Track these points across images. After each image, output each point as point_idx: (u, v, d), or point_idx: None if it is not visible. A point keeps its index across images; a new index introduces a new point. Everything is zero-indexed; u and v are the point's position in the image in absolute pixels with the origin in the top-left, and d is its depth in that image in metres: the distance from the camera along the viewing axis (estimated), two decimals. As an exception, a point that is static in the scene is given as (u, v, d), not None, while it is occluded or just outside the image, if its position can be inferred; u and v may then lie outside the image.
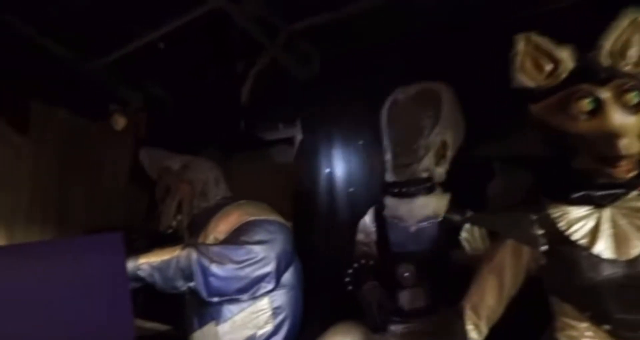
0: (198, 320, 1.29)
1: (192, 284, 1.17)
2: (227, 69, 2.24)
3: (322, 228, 1.94)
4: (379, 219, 1.39)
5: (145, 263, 1.15)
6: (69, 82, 2.19)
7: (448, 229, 1.26)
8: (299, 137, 2.19)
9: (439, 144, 1.32)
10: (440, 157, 1.33)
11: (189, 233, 1.42)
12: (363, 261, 1.38)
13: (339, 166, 2.01)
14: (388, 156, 1.35)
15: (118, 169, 2.26)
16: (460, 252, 1.25)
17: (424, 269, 1.24)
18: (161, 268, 1.15)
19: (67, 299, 0.82)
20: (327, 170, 2.04)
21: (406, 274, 1.24)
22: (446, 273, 1.24)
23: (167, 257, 1.16)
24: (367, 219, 1.45)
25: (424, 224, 1.27)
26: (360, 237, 1.47)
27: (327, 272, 1.68)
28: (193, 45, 2.11)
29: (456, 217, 1.28)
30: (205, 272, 1.16)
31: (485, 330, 0.93)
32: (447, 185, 1.37)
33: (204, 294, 1.18)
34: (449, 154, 1.34)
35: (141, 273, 1.14)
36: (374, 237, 1.42)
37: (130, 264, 1.13)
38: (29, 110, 2.17)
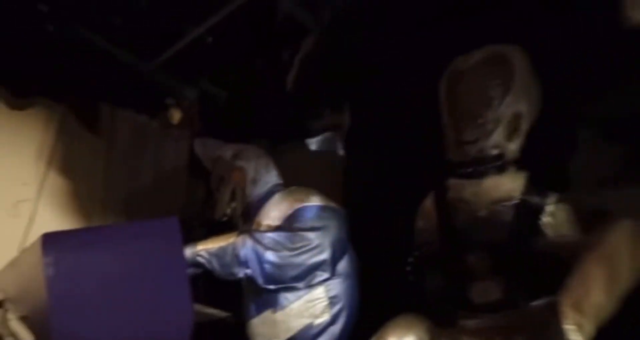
0: (255, 307, 1.25)
1: (248, 271, 1.13)
2: (273, 57, 2.18)
3: (375, 216, 1.81)
4: (441, 203, 1.23)
5: (203, 250, 1.14)
6: (131, 83, 2.29)
7: (526, 213, 1.07)
8: (347, 122, 2.08)
9: (510, 115, 1.12)
10: (512, 131, 1.13)
11: (243, 220, 1.38)
12: (424, 249, 1.24)
13: (391, 150, 1.86)
14: (450, 133, 1.18)
15: (178, 162, 2.33)
16: (541, 238, 1.06)
17: (498, 257, 1.07)
18: (218, 254, 1.13)
19: (127, 282, 0.81)
20: (378, 155, 1.90)
21: (477, 264, 1.08)
22: (524, 262, 1.06)
23: (224, 244, 1.14)
24: (428, 204, 1.30)
25: (496, 207, 1.09)
26: (419, 223, 1.33)
27: (384, 261, 1.56)
28: (239, 36, 2.08)
29: (535, 199, 1.08)
30: (260, 259, 1.11)
31: (591, 330, 0.75)
32: (522, 163, 1.16)
33: (260, 280, 1.13)
34: (524, 126, 1.14)
35: (200, 259, 1.13)
36: (435, 223, 1.27)
37: (189, 251, 1.13)
38: (99, 112, 2.30)
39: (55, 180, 2.00)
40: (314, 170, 2.15)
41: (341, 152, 2.00)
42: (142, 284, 0.82)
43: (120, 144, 2.30)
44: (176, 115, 2.03)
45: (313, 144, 2.19)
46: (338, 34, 1.96)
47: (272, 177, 1.44)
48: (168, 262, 0.85)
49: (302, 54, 2.00)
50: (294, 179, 1.58)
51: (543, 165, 1.19)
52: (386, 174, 1.84)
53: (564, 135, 1.29)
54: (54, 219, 1.93)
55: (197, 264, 1.11)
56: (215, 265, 1.11)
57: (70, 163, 2.09)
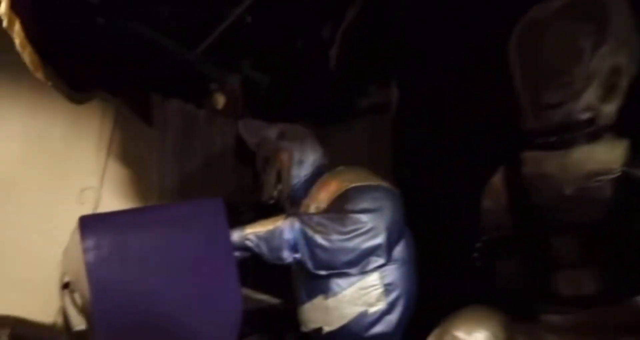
0: (306, 292, 1.18)
1: (297, 256, 1.05)
2: (313, 34, 2.05)
3: (431, 197, 1.65)
4: (516, 180, 1.05)
5: (251, 233, 1.08)
6: (178, 73, 2.31)
7: (629, 188, 0.86)
8: (395, 99, 1.91)
9: (606, 70, 0.90)
10: (608, 90, 0.91)
11: (290, 203, 1.31)
12: (494, 233, 1.08)
13: (446, 124, 1.67)
14: (526, 96, 0.98)
15: (224, 147, 2.34)
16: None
17: (591, 241, 0.88)
18: (267, 238, 1.07)
19: (170, 265, 0.77)
20: (432, 130, 1.72)
21: (564, 249, 0.90)
22: (626, 247, 0.86)
23: (272, 227, 1.07)
24: (496, 181, 1.12)
25: (589, 182, 0.89)
26: (486, 204, 1.16)
27: (444, 246, 1.41)
28: (278, 13, 1.98)
29: (641, 172, 0.86)
30: (310, 243, 1.03)
31: None
32: (621, 128, 0.94)
33: (309, 265, 1.05)
34: (623, 83, 0.91)
35: (248, 243, 1.07)
36: (506, 202, 1.10)
37: (237, 235, 1.08)
38: (150, 102, 2.37)
39: (115, 169, 2.10)
40: (361, 151, 2.03)
41: (390, 129, 1.85)
42: (187, 267, 0.77)
43: (171, 132, 2.36)
44: (220, 101, 2.01)
45: (358, 123, 2.06)
46: (383, 2, 1.79)
47: (318, 158, 1.34)
48: (213, 243, 0.80)
49: (344, 27, 1.85)
50: (340, 162, 1.47)
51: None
52: (441, 151, 1.66)
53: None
54: (116, 204, 2.03)
55: (245, 248, 1.06)
56: (264, 249, 1.05)
57: (127, 152, 2.18)
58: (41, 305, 1.63)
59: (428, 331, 1.02)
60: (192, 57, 2.24)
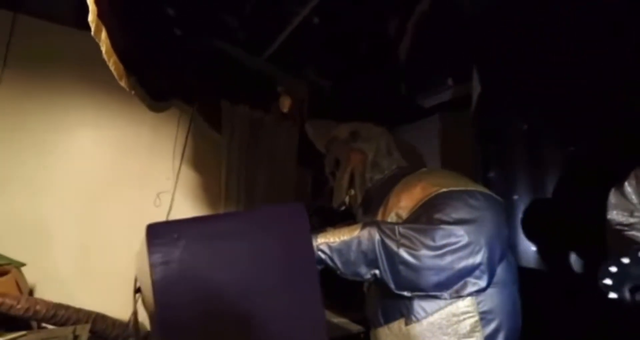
0: (383, 313, 1.00)
1: (377, 272, 0.88)
2: (380, 29, 1.89)
3: (526, 206, 1.37)
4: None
5: (323, 243, 0.93)
6: (244, 79, 2.32)
7: None
8: (476, 92, 1.65)
9: None
10: None
11: (363, 210, 1.15)
12: (634, 253, 0.80)
13: (537, 120, 1.38)
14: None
15: (288, 151, 2.29)
16: None
17: None
18: (341, 250, 0.91)
19: (257, 271, 0.66)
20: (525, 126, 1.44)
21: None
22: None
23: (347, 238, 0.91)
24: (629, 187, 0.86)
25: None
26: (614, 216, 0.88)
27: (547, 266, 1.13)
28: (343, 13, 1.86)
29: None
30: (393, 259, 0.85)
31: None
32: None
33: (391, 285, 0.87)
34: None
35: (321, 254, 0.93)
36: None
37: (308, 244, 0.94)
38: (220, 109, 2.41)
39: (187, 173, 2.16)
40: (436, 155, 1.80)
41: (470, 128, 1.60)
42: (272, 273, 0.65)
43: (238, 138, 2.37)
44: (286, 103, 1.94)
45: (433, 122, 1.84)
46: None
47: (394, 159, 1.16)
48: (296, 251, 0.67)
49: (417, 16, 1.66)
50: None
51: None
52: (538, 153, 1.37)
53: None
54: (187, 208, 2.08)
55: (317, 261, 0.92)
56: (338, 262, 0.89)
57: (198, 158, 2.24)
58: (120, 303, 1.70)
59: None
60: (260, 65, 2.23)
